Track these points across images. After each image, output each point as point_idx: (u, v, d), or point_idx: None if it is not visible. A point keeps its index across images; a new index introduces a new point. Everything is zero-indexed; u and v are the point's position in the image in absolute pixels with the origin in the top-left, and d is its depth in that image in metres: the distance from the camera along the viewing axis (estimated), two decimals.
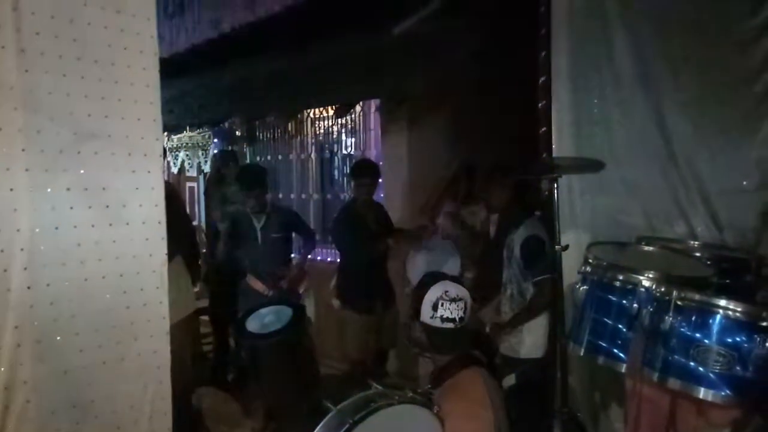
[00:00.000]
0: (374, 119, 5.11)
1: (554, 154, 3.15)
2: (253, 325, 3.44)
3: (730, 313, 1.37)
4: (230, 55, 5.02)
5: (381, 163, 4.69)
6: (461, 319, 1.92)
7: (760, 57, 2.47)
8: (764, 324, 1.32)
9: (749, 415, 1.58)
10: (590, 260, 1.99)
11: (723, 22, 2.56)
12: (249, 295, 3.87)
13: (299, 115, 5.83)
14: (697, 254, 2.28)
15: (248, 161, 6.22)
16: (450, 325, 1.91)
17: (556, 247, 2.58)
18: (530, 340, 2.90)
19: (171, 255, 1.82)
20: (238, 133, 6.26)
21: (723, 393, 1.37)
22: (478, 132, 4.33)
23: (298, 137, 6.06)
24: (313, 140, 5.96)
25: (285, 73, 4.77)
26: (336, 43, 4.15)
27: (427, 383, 2.04)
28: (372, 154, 5.13)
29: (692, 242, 2.63)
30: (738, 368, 1.34)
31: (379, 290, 3.92)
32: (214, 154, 6.15)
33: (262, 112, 5.80)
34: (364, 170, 3.96)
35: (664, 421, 1.69)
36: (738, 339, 1.35)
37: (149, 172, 1.76)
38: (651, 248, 2.30)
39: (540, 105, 3.30)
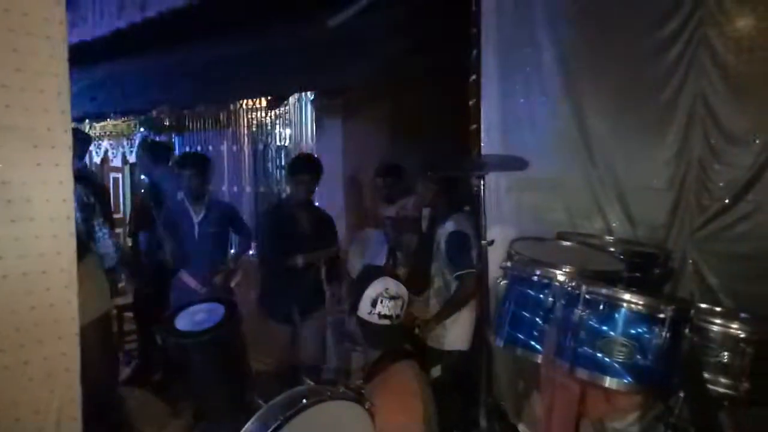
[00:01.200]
0: (309, 111, 5.07)
1: (483, 151, 3.25)
2: (183, 322, 3.33)
3: (633, 306, 1.46)
4: (158, 40, 4.82)
5: (316, 156, 4.65)
6: (397, 316, 1.95)
7: (667, 66, 2.65)
8: (662, 316, 1.42)
9: (651, 400, 1.70)
10: (512, 255, 2.07)
11: (636, 32, 2.72)
12: (180, 291, 3.74)
13: (232, 106, 5.69)
14: (612, 249, 2.42)
15: (176, 152, 6.01)
16: (386, 321, 1.93)
17: (482, 242, 2.67)
18: (455, 333, 2.98)
19: (82, 252, 1.73)
20: (166, 122, 6.03)
21: (626, 380, 1.46)
22: (413, 126, 4.39)
23: (231, 128, 5.92)
24: (247, 131, 5.84)
25: (217, 61, 4.64)
26: (270, 33, 4.07)
27: (360, 378, 2.06)
28: (307, 146, 5.09)
29: (608, 237, 2.78)
30: (639, 357, 1.44)
31: (306, 300, 3.50)
32: (141, 143, 5.90)
33: (192, 101, 5.62)
34: (303, 166, 3.56)
35: (575, 408, 1.79)
36: (639, 330, 1.45)
37: (57, 165, 1.66)
38: (570, 243, 2.41)
39: (470, 103, 3.39)
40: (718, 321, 1.56)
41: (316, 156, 3.95)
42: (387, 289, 1.95)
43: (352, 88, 4.43)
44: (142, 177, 5.18)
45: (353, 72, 4.11)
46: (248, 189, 5.82)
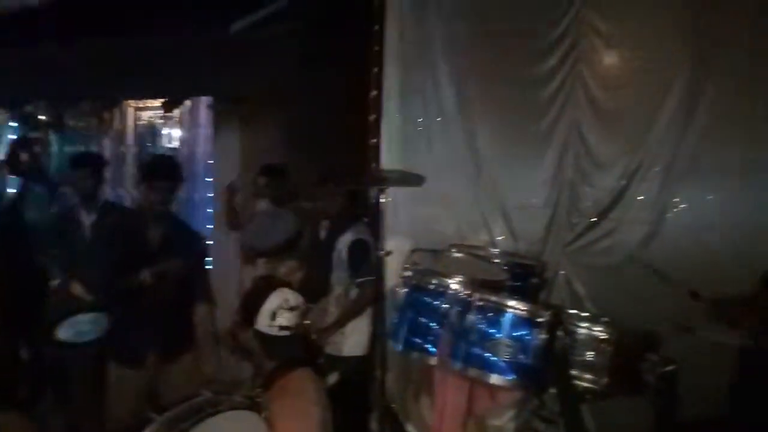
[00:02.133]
0: (205, 115, 4.94)
1: (382, 165, 3.38)
2: (65, 333, 3.08)
3: (517, 311, 1.65)
4: (38, 30, 4.45)
5: (211, 161, 4.55)
6: (296, 326, 1.97)
7: (547, 97, 2.97)
8: (541, 320, 1.62)
9: (528, 396, 1.90)
10: (411, 265, 2.20)
11: (523, 63, 3.02)
12: (64, 301, 3.41)
13: (119, 104, 5.39)
14: (497, 260, 2.64)
15: (54, 150, 5.55)
16: (286, 332, 1.93)
17: (380, 252, 2.79)
18: (354, 339, 3.07)
19: None
20: (42, 117, 5.55)
21: (509, 377, 1.64)
22: (315, 138, 4.43)
23: (116, 127, 5.59)
24: (134, 131, 5.55)
25: (106, 57, 4.37)
26: (167, 34, 3.94)
27: (256, 386, 2.06)
28: (201, 151, 4.95)
29: (493, 250, 3.02)
30: (521, 356, 1.62)
31: (165, 336, 2.82)
32: (16, 140, 5.36)
33: (74, 96, 5.23)
34: (161, 169, 2.92)
35: (465, 406, 1.95)
36: (522, 332, 1.64)
37: None
38: (460, 255, 2.60)
39: (371, 118, 3.52)
40: (584, 325, 1.79)
41: (176, 159, 3.42)
42: (286, 300, 1.95)
43: (253, 96, 4.40)
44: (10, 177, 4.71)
45: (254, 80, 4.08)
46: (134, 193, 5.53)
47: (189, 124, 5.14)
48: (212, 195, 4.68)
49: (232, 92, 4.37)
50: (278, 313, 1.93)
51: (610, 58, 2.89)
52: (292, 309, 1.95)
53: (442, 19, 3.20)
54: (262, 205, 4.09)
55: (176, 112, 5.10)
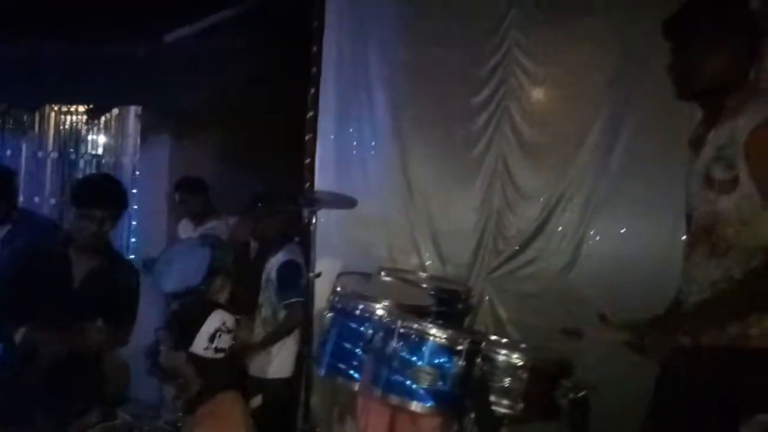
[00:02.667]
0: (134, 124, 4.77)
1: (316, 185, 3.39)
2: None
3: (438, 339, 1.69)
4: None
5: (137, 173, 4.38)
6: (230, 348, 1.94)
7: (478, 128, 3.09)
8: (460, 348, 1.67)
9: (450, 422, 1.94)
10: (338, 289, 2.21)
11: (456, 95, 3.14)
12: None
13: (41, 109, 5.11)
14: (424, 285, 2.69)
15: None
16: (221, 355, 1.90)
17: (310, 274, 2.78)
18: (279, 361, 3.02)
19: None
20: None
21: (429, 404, 1.67)
22: (249, 155, 4.37)
23: (36, 132, 5.29)
24: (54, 136, 5.28)
25: (30, 59, 4.15)
26: (99, 40, 3.79)
27: (178, 410, 1.99)
28: (127, 161, 4.77)
29: (422, 273, 3.07)
30: (440, 384, 1.66)
31: (62, 398, 2.26)
32: None
33: None
34: (95, 195, 2.35)
35: (386, 431, 1.97)
36: (441, 360, 1.67)
37: None
38: (389, 279, 2.63)
39: (307, 138, 3.53)
40: (503, 351, 1.84)
41: (117, 182, 2.66)
42: (225, 323, 1.92)
43: (186, 110, 4.29)
44: None
45: (188, 93, 3.99)
46: (52, 201, 5.24)
47: (116, 132, 4.94)
48: (136, 208, 4.50)
49: (164, 103, 4.25)
50: (217, 335, 1.90)
51: (535, 96, 3.06)
52: (230, 331, 1.93)
53: (381, 45, 3.27)
54: (182, 228, 3.89)
55: (102, 118, 4.89)
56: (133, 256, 4.32)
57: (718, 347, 1.57)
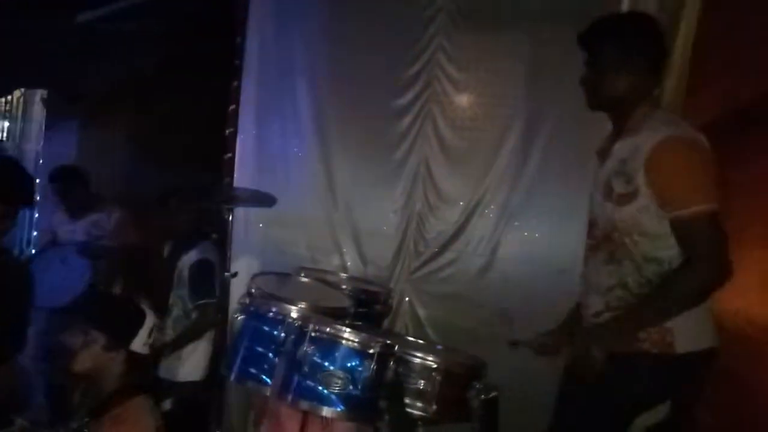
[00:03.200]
0: (39, 109, 4.44)
1: (236, 182, 3.29)
2: None
3: (350, 343, 1.67)
4: None
5: (41, 161, 4.07)
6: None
7: (401, 131, 3.12)
8: (371, 351, 1.66)
9: (363, 426, 1.93)
10: (252, 290, 2.14)
11: (380, 97, 3.14)
12: None
13: None
14: (344, 286, 2.67)
15: None
16: (148, 351, 1.92)
17: (225, 274, 2.69)
18: (191, 364, 2.90)
19: None
20: None
21: (339, 409, 1.65)
22: (164, 146, 4.18)
23: None
24: None
25: None
26: (2, 16, 3.48)
27: (84, 416, 1.87)
28: (30, 147, 4.43)
29: (342, 274, 3.05)
30: (351, 388, 1.64)
31: None
32: None
33: None
34: None
35: None
36: (354, 364, 1.65)
37: None
38: (307, 280, 2.59)
39: (227, 132, 3.41)
40: (417, 354, 1.85)
41: (20, 169, 2.24)
42: (155, 321, 1.94)
43: (94, 94, 4.03)
44: None
45: (96, 78, 3.75)
46: None
47: (19, 117, 4.57)
48: (38, 198, 4.17)
49: (70, 89, 3.97)
50: (153, 330, 1.91)
51: (457, 101, 3.11)
52: (159, 329, 1.98)
53: (305, 41, 3.22)
54: (57, 221, 3.51)
55: (3, 103, 4.52)
56: (33, 251, 4.01)
57: (615, 353, 1.66)
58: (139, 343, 1.87)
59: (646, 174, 1.55)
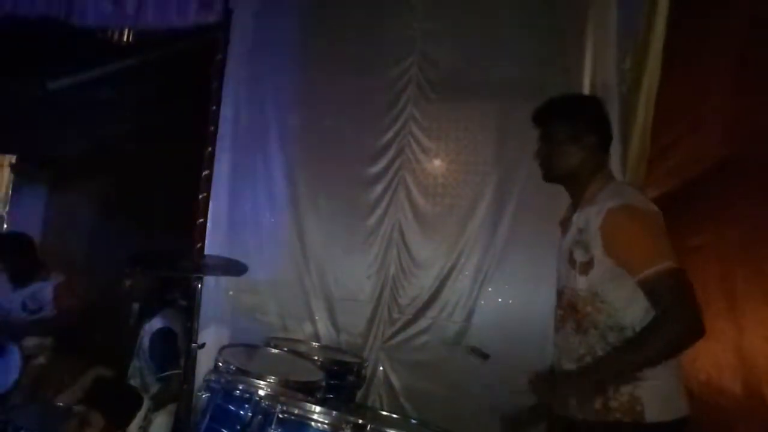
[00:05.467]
0: (6, 175, 4.36)
1: (207, 247, 3.23)
2: None
3: (319, 424, 1.61)
4: None
5: (5, 226, 3.96)
6: None
7: (374, 198, 3.14)
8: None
9: None
10: (219, 364, 2.07)
11: (353, 164, 3.18)
12: None
13: None
14: (316, 357, 2.60)
15: None
16: None
17: (192, 345, 2.59)
18: None
19: None
20: None
21: None
22: (137, 212, 4.11)
23: None
24: None
25: None
26: None
27: None
28: None
29: (314, 344, 2.98)
30: None
31: None
32: None
33: None
34: None
35: None
36: None
37: None
38: (277, 351, 2.52)
39: (200, 197, 3.38)
40: (391, 430, 1.79)
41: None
42: (150, 404, 2.02)
43: (64, 160, 3.99)
44: None
45: (66, 144, 3.72)
46: None
47: None
48: None
49: (41, 154, 3.94)
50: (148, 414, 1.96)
51: (429, 169, 3.17)
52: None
53: (278, 109, 3.27)
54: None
55: None
56: None
57: (589, 422, 1.64)
58: (135, 427, 1.78)
59: (603, 242, 1.60)
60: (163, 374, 2.68)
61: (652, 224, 1.62)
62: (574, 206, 1.77)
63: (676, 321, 1.52)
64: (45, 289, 3.34)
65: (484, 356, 2.01)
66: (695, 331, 1.53)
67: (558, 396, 1.67)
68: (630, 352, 1.58)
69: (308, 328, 3.19)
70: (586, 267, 1.63)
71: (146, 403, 1.83)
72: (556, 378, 1.76)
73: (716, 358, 1.90)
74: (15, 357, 2.98)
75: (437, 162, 3.16)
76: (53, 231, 4.16)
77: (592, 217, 1.64)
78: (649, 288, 1.56)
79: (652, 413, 1.58)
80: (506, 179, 3.03)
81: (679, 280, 1.54)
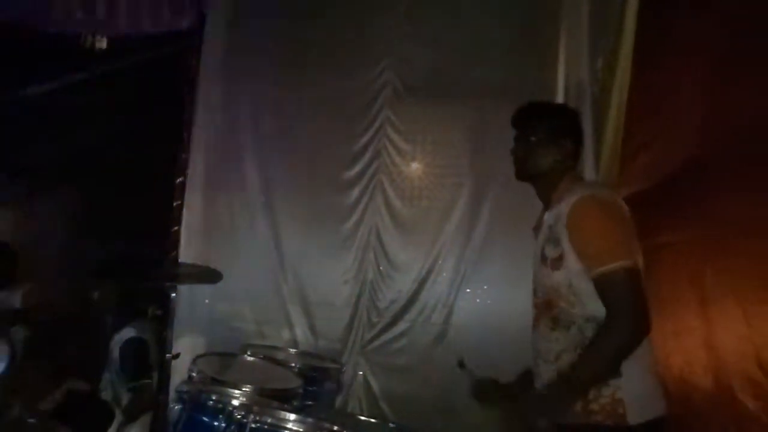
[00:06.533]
0: None
1: (181, 255, 3.17)
2: None
3: None
4: None
5: None
6: None
7: (351, 202, 3.12)
8: None
9: None
10: (192, 374, 2.02)
11: (329, 169, 3.16)
12: None
13: None
14: (293, 364, 2.57)
15: None
16: None
17: (167, 355, 2.53)
18: None
19: None
20: None
21: None
22: (110, 219, 4.03)
23: None
24: None
25: None
26: None
27: None
28: None
29: (291, 350, 2.95)
30: None
31: None
32: None
33: None
34: None
35: None
36: None
37: None
38: (253, 359, 2.48)
39: (174, 204, 3.32)
40: None
41: None
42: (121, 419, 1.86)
43: (37, 168, 3.90)
44: None
45: (40, 152, 3.64)
46: None
47: None
48: None
49: (12, 164, 3.84)
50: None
51: (406, 171, 3.16)
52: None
53: (253, 114, 3.24)
54: None
55: None
56: None
57: (570, 425, 1.64)
58: None
59: (569, 235, 1.62)
60: (134, 384, 2.63)
61: (615, 217, 1.64)
62: (545, 207, 1.80)
63: (620, 330, 1.54)
64: (12, 297, 3.25)
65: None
66: (641, 332, 1.55)
67: (525, 418, 1.65)
68: (582, 369, 1.60)
69: (286, 334, 3.16)
70: (557, 262, 1.65)
71: (117, 417, 1.77)
72: (522, 398, 1.75)
73: (687, 355, 1.91)
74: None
75: (414, 165, 3.15)
76: (25, 240, 4.05)
77: (560, 213, 1.66)
78: (600, 288, 1.58)
79: (634, 415, 1.58)
80: (483, 181, 3.03)
81: (632, 282, 1.56)
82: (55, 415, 1.94)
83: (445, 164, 3.13)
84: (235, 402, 1.71)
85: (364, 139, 3.11)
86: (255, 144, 3.21)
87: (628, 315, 1.53)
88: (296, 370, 2.49)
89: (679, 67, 2.37)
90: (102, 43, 3.68)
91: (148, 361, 2.67)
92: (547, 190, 1.78)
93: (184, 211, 3.21)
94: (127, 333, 2.74)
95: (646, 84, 2.55)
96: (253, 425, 1.58)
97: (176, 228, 3.28)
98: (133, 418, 2.66)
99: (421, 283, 3.09)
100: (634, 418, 1.58)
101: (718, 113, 2.11)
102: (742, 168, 1.89)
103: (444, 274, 3.07)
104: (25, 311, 3.21)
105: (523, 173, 1.82)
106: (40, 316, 3.23)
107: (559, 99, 2.88)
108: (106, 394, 2.72)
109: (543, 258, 1.70)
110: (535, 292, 1.78)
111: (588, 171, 2.68)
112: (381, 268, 3.13)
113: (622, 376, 1.57)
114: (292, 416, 1.63)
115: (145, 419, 2.71)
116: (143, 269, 2.69)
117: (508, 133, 1.86)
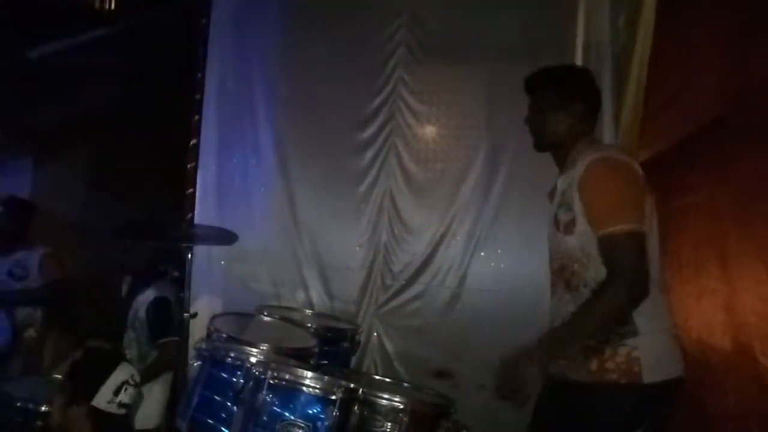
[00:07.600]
0: None
1: (196, 219, 3.20)
2: None
3: (311, 389, 1.60)
4: None
5: None
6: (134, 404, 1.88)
7: (364, 165, 3.10)
8: (334, 397, 1.59)
9: None
10: (210, 333, 2.06)
11: (343, 131, 3.13)
12: None
13: None
14: (309, 324, 2.60)
15: None
16: (123, 411, 1.85)
17: (185, 314, 2.58)
18: (144, 410, 2.73)
19: None
20: None
21: None
22: (126, 181, 4.05)
23: None
24: None
25: None
26: None
27: None
28: None
29: (307, 311, 2.98)
30: None
31: None
32: None
33: None
34: None
35: None
36: (315, 412, 1.59)
37: None
38: (270, 319, 2.51)
39: (189, 166, 3.33)
40: (384, 395, 1.79)
41: None
42: (132, 376, 1.87)
43: (48, 131, 3.91)
44: None
45: (50, 114, 3.63)
46: None
47: None
48: None
49: (27, 124, 3.85)
50: (124, 388, 1.85)
51: (420, 134, 3.12)
52: (136, 385, 1.88)
53: (265, 76, 3.20)
54: None
55: None
56: None
57: (584, 383, 1.65)
58: (103, 400, 1.79)
59: (579, 198, 1.61)
60: (161, 341, 2.70)
61: (624, 179, 1.62)
62: (559, 172, 1.78)
63: (614, 291, 1.54)
64: (31, 259, 3.30)
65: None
66: (636, 295, 1.54)
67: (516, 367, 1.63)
68: (577, 322, 1.60)
69: (301, 296, 3.19)
70: (570, 225, 1.64)
71: (127, 371, 1.81)
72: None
73: (707, 317, 1.90)
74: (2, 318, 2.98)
75: (428, 127, 3.11)
76: (40, 203, 4.09)
77: (574, 176, 1.64)
78: (601, 249, 1.58)
79: (649, 373, 1.59)
80: (498, 143, 2.99)
81: (633, 245, 1.54)
82: (71, 373, 1.99)
83: (460, 126, 3.08)
84: (253, 359, 1.74)
85: (378, 100, 3.07)
86: (268, 105, 3.18)
87: (624, 276, 1.53)
88: (312, 330, 2.52)
89: (702, 25, 2.30)
90: (112, 4, 3.64)
91: (172, 319, 2.73)
92: (562, 156, 1.76)
93: (199, 173, 3.22)
94: (151, 293, 2.79)
95: (668, 42, 2.48)
96: (271, 381, 1.60)
97: (191, 190, 3.29)
98: (156, 374, 2.73)
99: (436, 247, 3.08)
100: (649, 377, 1.58)
101: (741, 71, 2.05)
102: (766, 127, 1.84)
103: (458, 238, 3.06)
104: (45, 287, 3.26)
105: (540, 145, 1.80)
106: (58, 278, 3.29)
107: (578, 58, 2.82)
108: (130, 352, 2.78)
109: (556, 223, 1.69)
110: (551, 257, 1.78)
111: (608, 133, 2.63)
112: (395, 231, 3.12)
113: (639, 335, 1.57)
114: (309, 374, 1.65)
115: (167, 377, 2.79)
116: (161, 231, 2.73)
117: (524, 94, 1.83)
